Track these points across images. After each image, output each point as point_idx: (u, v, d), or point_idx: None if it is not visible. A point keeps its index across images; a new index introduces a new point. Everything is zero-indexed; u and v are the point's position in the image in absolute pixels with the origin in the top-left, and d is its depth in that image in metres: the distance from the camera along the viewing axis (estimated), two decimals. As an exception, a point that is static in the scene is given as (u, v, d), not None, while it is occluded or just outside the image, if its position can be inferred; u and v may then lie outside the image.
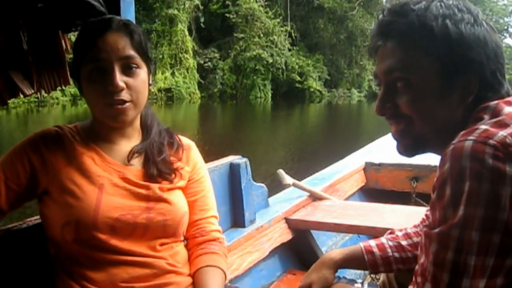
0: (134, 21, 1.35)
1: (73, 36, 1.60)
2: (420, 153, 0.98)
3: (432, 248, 0.80)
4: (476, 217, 0.75)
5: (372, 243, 1.27)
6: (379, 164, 3.32)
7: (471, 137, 0.79)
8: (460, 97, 0.91)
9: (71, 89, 19.92)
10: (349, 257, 1.27)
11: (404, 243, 1.25)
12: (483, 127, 0.81)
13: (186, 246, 1.32)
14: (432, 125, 0.93)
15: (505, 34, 52.90)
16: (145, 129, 1.29)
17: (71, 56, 1.24)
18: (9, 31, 1.35)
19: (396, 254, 1.23)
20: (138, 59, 1.16)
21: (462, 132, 0.83)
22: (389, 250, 1.24)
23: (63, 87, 1.54)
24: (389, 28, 0.94)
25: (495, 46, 0.92)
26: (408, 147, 0.98)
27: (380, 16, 0.97)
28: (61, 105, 20.88)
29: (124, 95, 1.13)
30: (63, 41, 1.46)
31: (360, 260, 1.25)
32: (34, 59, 1.40)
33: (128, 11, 1.49)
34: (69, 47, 1.49)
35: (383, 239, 1.27)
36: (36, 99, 18.53)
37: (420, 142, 0.96)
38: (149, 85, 1.23)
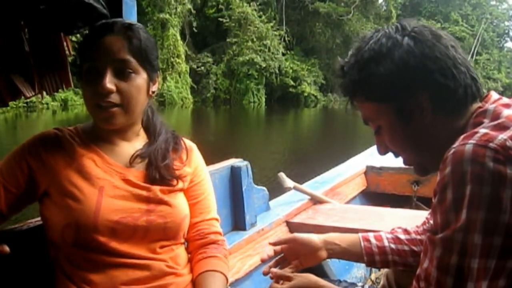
0: None
1: (75, 38, 1.59)
2: (433, 171, 1.00)
3: (436, 253, 0.80)
4: (478, 220, 0.75)
5: (371, 234, 1.29)
6: (380, 168, 3.33)
7: (471, 141, 0.80)
8: (422, 118, 0.94)
9: (61, 94, 19.86)
10: (346, 239, 1.29)
11: (402, 236, 1.27)
12: (483, 130, 0.82)
13: (186, 248, 1.31)
14: (418, 151, 0.99)
15: (506, 38, 53.22)
16: (153, 134, 1.28)
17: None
18: (10, 32, 1.34)
19: (393, 245, 1.25)
20: (135, 64, 1.15)
21: (462, 136, 0.83)
22: (385, 240, 1.26)
23: (64, 89, 1.52)
24: (345, 89, 1.04)
25: (445, 64, 0.92)
26: (418, 171, 1.05)
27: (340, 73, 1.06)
28: (51, 110, 20.74)
29: (113, 98, 1.12)
30: (64, 43, 1.45)
31: (357, 246, 1.27)
32: (36, 60, 1.39)
33: (130, 14, 1.48)
34: (70, 49, 1.47)
35: (381, 232, 1.30)
36: (25, 104, 18.36)
37: (423, 166, 1.02)
38: (152, 92, 1.23)
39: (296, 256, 1.28)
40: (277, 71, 31.70)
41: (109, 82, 1.11)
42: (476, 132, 0.82)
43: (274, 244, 1.29)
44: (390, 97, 0.95)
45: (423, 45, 0.93)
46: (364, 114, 1.03)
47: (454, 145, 0.82)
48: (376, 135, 1.04)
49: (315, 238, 1.27)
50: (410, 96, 0.93)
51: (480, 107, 0.93)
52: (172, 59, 26.58)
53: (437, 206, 0.82)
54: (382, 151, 1.05)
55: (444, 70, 0.92)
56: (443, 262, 0.79)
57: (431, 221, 0.84)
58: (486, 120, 0.88)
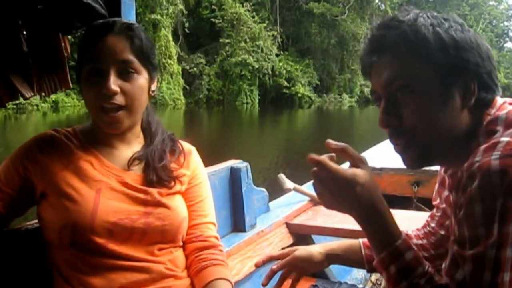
0: None
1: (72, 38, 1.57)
2: (427, 165, 0.97)
3: (467, 268, 0.78)
4: (510, 234, 0.74)
5: None
6: (380, 169, 3.29)
7: (496, 152, 0.78)
8: (461, 101, 0.91)
9: (52, 95, 19.68)
10: (346, 246, 1.27)
11: None
12: (504, 139, 0.80)
13: (183, 251, 1.29)
14: (437, 133, 0.92)
15: (505, 38, 53.37)
16: (149, 135, 1.27)
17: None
18: (8, 32, 1.32)
19: None
20: (137, 64, 1.15)
21: (482, 148, 0.81)
22: None
23: (63, 90, 1.51)
24: (383, 41, 0.93)
25: (486, 48, 0.93)
26: (415, 158, 0.96)
27: (370, 33, 0.97)
28: (42, 112, 20.56)
29: (118, 99, 1.11)
30: (63, 43, 1.44)
31: (357, 253, 1.25)
32: (34, 61, 1.38)
33: (129, 14, 1.46)
34: (69, 49, 1.46)
35: None
36: (14, 106, 18.18)
37: (426, 152, 0.94)
38: (152, 91, 1.22)
39: (297, 270, 1.27)
40: (270, 72, 31.73)
41: (114, 83, 1.10)
42: (498, 142, 0.80)
43: (277, 268, 1.26)
44: (442, 61, 0.89)
45: (482, 39, 0.93)
46: (399, 69, 0.92)
47: (477, 158, 0.79)
48: (390, 102, 0.94)
49: (315, 252, 1.25)
50: (460, 74, 0.90)
51: (488, 114, 0.91)
52: (164, 60, 26.51)
53: (463, 220, 0.79)
54: (386, 122, 0.95)
55: (492, 72, 0.92)
56: (476, 278, 0.77)
57: (456, 232, 0.81)
58: (499, 128, 0.86)
